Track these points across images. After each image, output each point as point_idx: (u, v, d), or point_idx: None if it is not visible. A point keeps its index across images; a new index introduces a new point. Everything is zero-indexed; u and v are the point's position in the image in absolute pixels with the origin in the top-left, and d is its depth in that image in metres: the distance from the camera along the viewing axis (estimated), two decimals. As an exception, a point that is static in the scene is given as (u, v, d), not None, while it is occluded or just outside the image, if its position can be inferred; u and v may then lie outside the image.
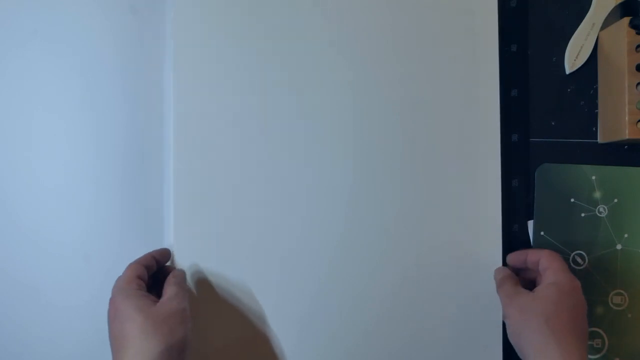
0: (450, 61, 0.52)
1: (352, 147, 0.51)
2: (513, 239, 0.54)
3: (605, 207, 0.56)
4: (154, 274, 0.47)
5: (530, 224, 0.56)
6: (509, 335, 0.47)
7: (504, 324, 0.50)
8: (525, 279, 0.51)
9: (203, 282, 0.49)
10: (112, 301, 0.43)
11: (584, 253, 0.56)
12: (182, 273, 0.48)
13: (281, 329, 0.50)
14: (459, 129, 0.51)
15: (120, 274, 0.45)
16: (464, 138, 0.51)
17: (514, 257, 0.51)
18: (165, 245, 0.50)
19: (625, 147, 0.56)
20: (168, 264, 0.50)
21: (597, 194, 0.56)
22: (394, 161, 0.51)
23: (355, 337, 0.51)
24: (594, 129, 0.57)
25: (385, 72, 0.51)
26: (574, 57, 0.56)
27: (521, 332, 0.45)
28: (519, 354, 0.46)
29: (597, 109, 0.57)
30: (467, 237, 0.51)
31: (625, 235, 0.55)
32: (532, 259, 0.49)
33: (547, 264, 0.47)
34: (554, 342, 0.43)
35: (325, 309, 0.50)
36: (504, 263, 0.53)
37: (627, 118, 0.52)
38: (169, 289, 0.45)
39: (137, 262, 0.46)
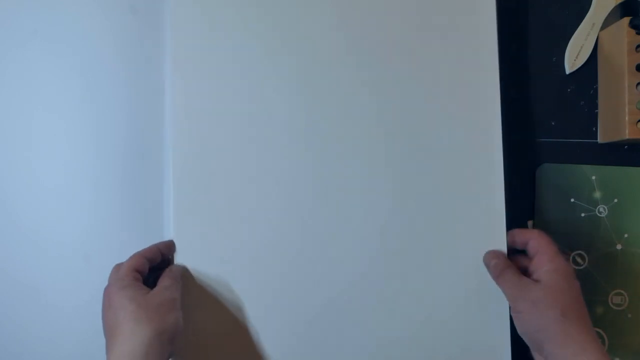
0: (450, 61, 0.52)
1: (353, 147, 0.51)
2: (513, 239, 0.54)
3: (605, 207, 0.56)
4: (159, 267, 0.48)
5: (530, 224, 0.56)
6: (521, 331, 0.45)
7: (511, 322, 0.48)
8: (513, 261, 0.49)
9: (203, 282, 0.49)
10: (106, 291, 0.44)
11: (584, 253, 0.56)
12: (180, 268, 0.48)
13: (281, 328, 0.50)
14: (461, 129, 0.51)
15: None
16: (465, 139, 0.51)
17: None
18: (165, 245, 0.50)
19: (625, 147, 0.56)
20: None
21: (597, 194, 0.56)
22: (395, 162, 0.51)
23: (357, 336, 0.50)
24: (594, 129, 0.57)
25: (384, 72, 0.51)
26: (574, 57, 0.56)
27: (537, 327, 0.43)
28: (535, 349, 0.44)
29: (597, 109, 0.57)
30: (472, 238, 0.51)
31: (625, 235, 0.56)
32: (520, 240, 0.48)
33: (538, 248, 0.46)
34: (574, 332, 0.42)
35: (324, 308, 0.50)
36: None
37: (627, 118, 0.52)
38: (163, 280, 0.46)
39: (140, 253, 0.46)
